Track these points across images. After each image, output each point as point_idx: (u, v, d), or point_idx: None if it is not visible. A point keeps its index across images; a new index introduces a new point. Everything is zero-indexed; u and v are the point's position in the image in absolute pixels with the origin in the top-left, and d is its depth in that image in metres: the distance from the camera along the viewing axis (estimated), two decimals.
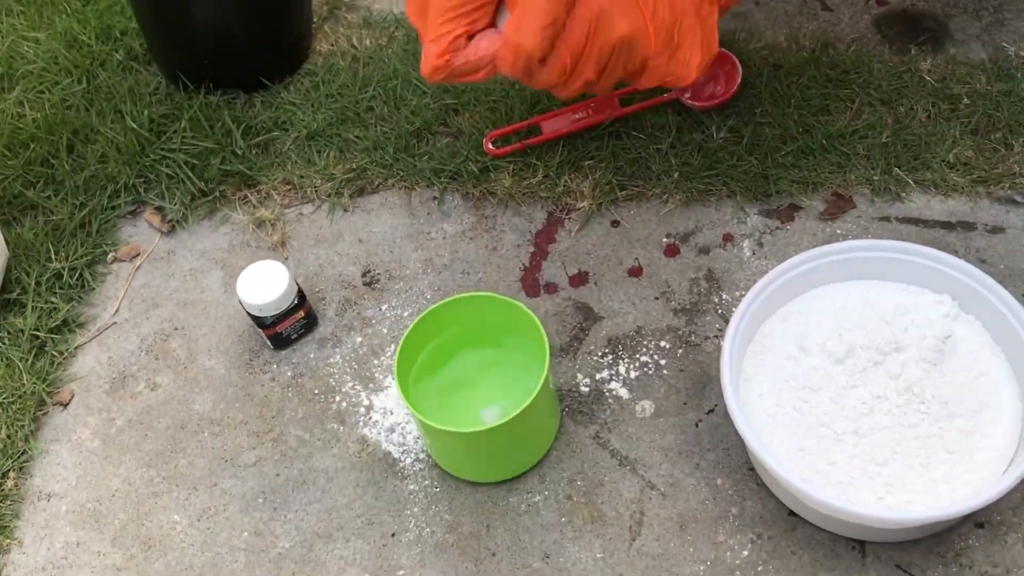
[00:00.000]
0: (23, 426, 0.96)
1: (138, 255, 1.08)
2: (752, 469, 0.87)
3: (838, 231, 0.99)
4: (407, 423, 0.93)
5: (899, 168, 1.00)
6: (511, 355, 0.90)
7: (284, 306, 0.95)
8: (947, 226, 0.98)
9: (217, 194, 1.09)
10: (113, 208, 1.10)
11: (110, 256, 1.07)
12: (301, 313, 0.97)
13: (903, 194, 1.00)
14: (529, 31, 0.75)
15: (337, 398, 0.96)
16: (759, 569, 0.83)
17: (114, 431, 0.97)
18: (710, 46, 0.84)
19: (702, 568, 0.83)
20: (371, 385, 0.96)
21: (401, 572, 0.86)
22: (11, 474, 0.95)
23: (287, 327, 0.97)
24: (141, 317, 1.03)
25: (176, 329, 1.02)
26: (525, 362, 0.89)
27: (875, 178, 1.00)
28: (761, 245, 0.99)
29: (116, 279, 1.06)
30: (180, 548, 0.90)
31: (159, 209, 1.10)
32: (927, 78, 1.06)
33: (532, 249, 1.02)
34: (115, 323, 1.03)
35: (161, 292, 1.05)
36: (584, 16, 0.76)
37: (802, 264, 0.88)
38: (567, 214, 1.04)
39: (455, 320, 0.89)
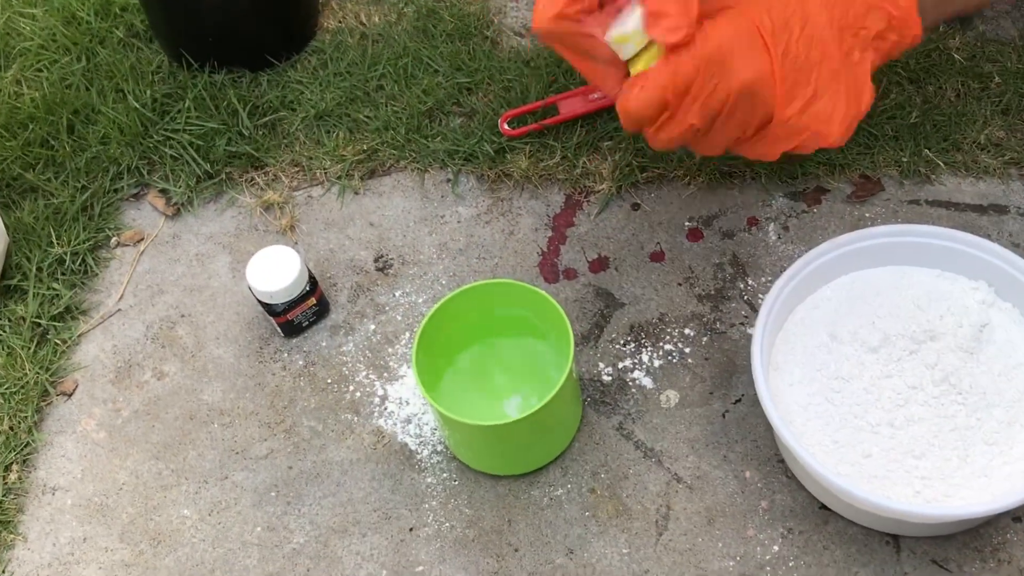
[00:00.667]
0: (26, 417, 0.93)
1: (142, 239, 1.04)
2: (782, 461, 0.85)
3: (866, 214, 0.96)
4: (424, 414, 0.90)
5: (928, 149, 0.97)
6: (532, 343, 0.87)
7: (295, 293, 0.92)
8: (979, 209, 0.95)
9: (223, 176, 1.06)
10: (116, 191, 1.06)
11: (113, 240, 1.04)
12: (313, 300, 0.94)
13: (933, 176, 0.97)
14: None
15: (351, 388, 0.93)
16: (790, 564, 0.80)
17: (120, 422, 0.94)
18: (860, 98, 0.70)
19: (731, 564, 0.81)
20: (386, 374, 0.93)
21: (420, 568, 0.83)
22: (14, 467, 0.92)
23: (298, 314, 0.94)
24: (146, 304, 1.00)
25: (183, 316, 0.99)
26: (546, 351, 0.86)
27: (904, 160, 0.97)
28: (787, 229, 0.96)
29: (120, 264, 1.03)
30: (191, 543, 0.87)
31: (163, 192, 1.06)
32: (956, 56, 1.03)
33: (550, 233, 0.99)
34: (119, 310, 1.00)
35: (167, 278, 1.01)
36: (697, 53, 0.67)
37: (832, 250, 0.85)
38: (586, 197, 1.00)
39: (474, 307, 0.86)
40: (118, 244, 1.04)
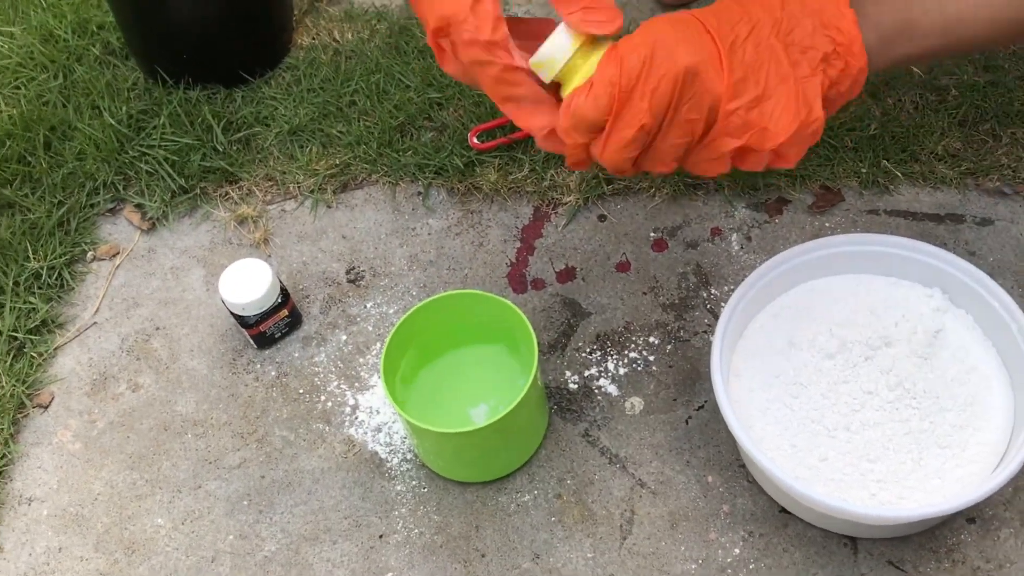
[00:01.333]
0: (2, 429, 0.95)
1: (118, 254, 1.06)
2: (743, 466, 0.87)
3: (827, 224, 0.98)
4: (394, 423, 0.92)
5: (887, 160, 1.00)
6: (499, 353, 0.89)
7: (267, 305, 0.94)
8: (936, 218, 0.97)
9: (198, 191, 1.07)
10: (92, 206, 1.08)
11: (89, 255, 1.05)
12: (285, 311, 0.96)
13: (891, 187, 0.99)
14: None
15: (322, 398, 0.94)
16: (751, 567, 0.82)
17: (96, 433, 0.95)
18: (809, 109, 0.67)
19: (694, 567, 0.83)
20: (356, 384, 0.95)
21: (390, 574, 0.85)
22: None
23: (270, 326, 0.95)
24: (122, 317, 1.02)
25: (158, 329, 1.00)
26: (513, 360, 0.88)
27: (863, 171, 1.00)
28: (749, 239, 0.98)
29: (96, 278, 1.04)
30: (164, 552, 0.88)
31: (139, 207, 1.08)
32: (915, 69, 1.05)
33: (518, 244, 1.01)
34: (95, 323, 1.01)
35: (142, 291, 1.03)
36: (638, 43, 0.65)
37: (791, 259, 0.87)
38: (553, 209, 1.02)
39: (442, 318, 0.88)
40: (94, 258, 1.05)
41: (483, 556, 0.85)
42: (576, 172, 1.02)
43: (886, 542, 0.82)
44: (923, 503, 0.78)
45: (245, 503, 0.90)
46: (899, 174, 0.99)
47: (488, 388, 0.89)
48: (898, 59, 0.72)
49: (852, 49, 0.68)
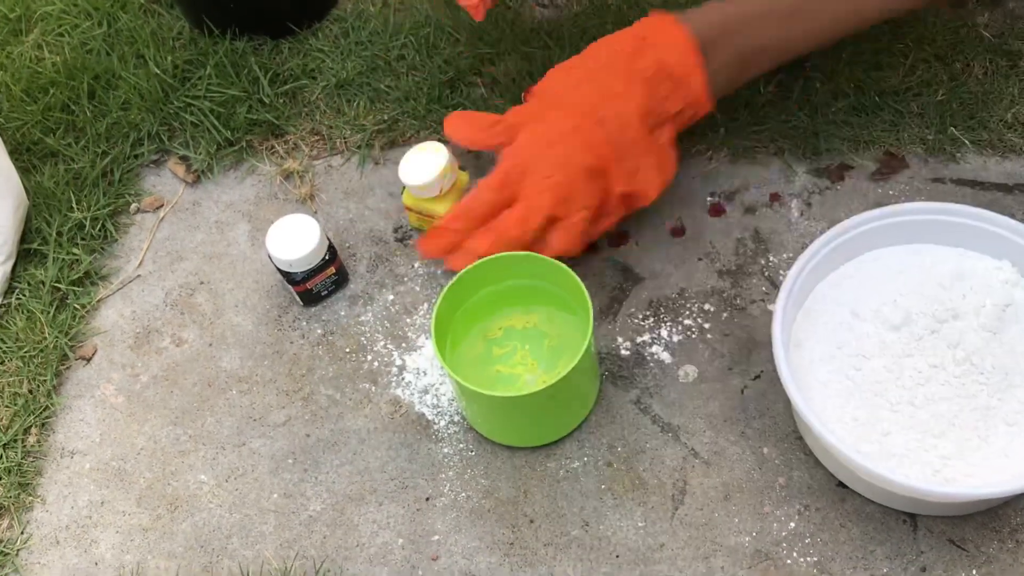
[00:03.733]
0: (45, 381, 0.94)
1: (162, 206, 1.04)
2: (800, 438, 0.85)
3: (890, 192, 0.95)
4: (441, 384, 0.90)
5: (954, 127, 0.96)
6: (552, 316, 0.87)
7: (315, 262, 0.92)
8: (1004, 188, 0.94)
9: (243, 144, 1.06)
10: (136, 157, 1.06)
11: (133, 207, 1.04)
12: (332, 269, 0.94)
13: (958, 154, 0.96)
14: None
15: (369, 357, 0.93)
16: (807, 541, 0.80)
17: (139, 387, 0.94)
18: (667, 168, 0.88)
19: (747, 539, 0.81)
20: (404, 344, 0.93)
21: (436, 537, 0.84)
22: (33, 430, 0.92)
23: (317, 283, 0.94)
24: (166, 270, 1.00)
25: (202, 283, 0.99)
26: (566, 324, 0.86)
27: (929, 137, 0.96)
28: (810, 205, 0.95)
29: (140, 230, 1.03)
30: (208, 509, 0.87)
31: (183, 159, 1.06)
32: (984, 33, 1.01)
33: None
34: (139, 276, 1.00)
35: (186, 245, 1.01)
36: (529, 142, 0.87)
37: (856, 227, 0.84)
38: None
39: (494, 279, 0.86)
40: (138, 210, 1.04)
41: (532, 522, 0.83)
42: None
43: (947, 520, 0.80)
44: (989, 482, 0.75)
45: (290, 461, 0.88)
46: (967, 141, 0.96)
47: (540, 352, 0.87)
48: (748, 80, 0.91)
49: (700, 100, 0.86)
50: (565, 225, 0.87)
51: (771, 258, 0.93)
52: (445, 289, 0.83)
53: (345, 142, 1.05)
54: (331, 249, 0.93)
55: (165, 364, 0.95)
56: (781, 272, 0.92)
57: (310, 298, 0.95)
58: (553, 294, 0.85)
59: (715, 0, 0.88)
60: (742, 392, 0.87)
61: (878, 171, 0.96)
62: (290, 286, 0.94)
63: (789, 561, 0.80)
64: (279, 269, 0.93)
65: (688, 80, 0.86)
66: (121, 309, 0.98)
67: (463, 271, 0.83)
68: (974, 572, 0.78)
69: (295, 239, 0.92)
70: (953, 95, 0.98)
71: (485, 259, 0.84)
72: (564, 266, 0.82)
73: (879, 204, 0.93)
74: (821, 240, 0.84)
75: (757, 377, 0.88)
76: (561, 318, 0.87)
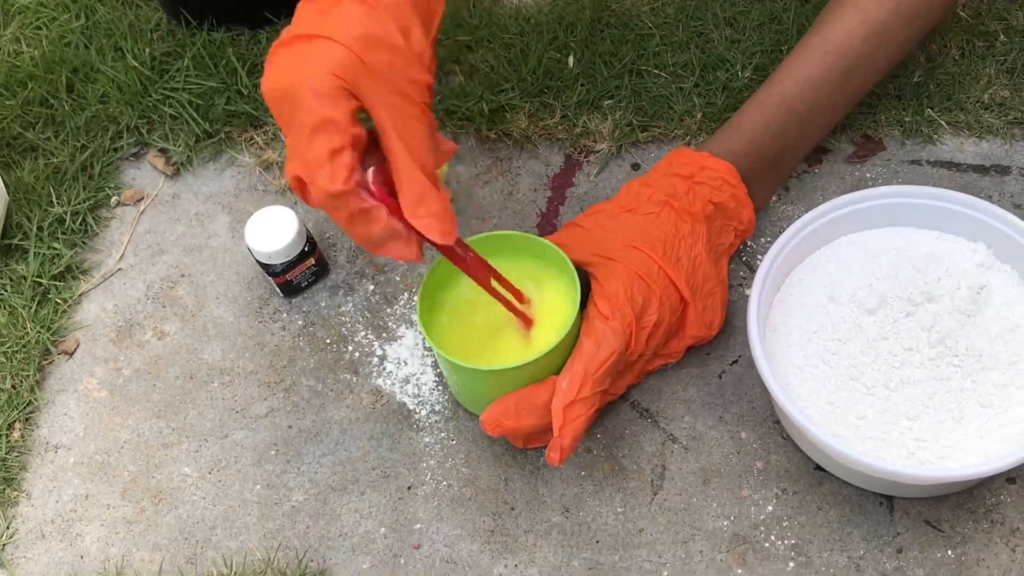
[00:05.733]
0: (28, 376, 0.94)
1: (142, 199, 1.04)
2: (777, 422, 0.85)
3: (867, 174, 0.95)
4: (421, 374, 0.91)
5: (931, 109, 0.97)
6: (540, 295, 0.86)
7: (294, 253, 0.92)
8: (981, 170, 0.94)
9: (223, 135, 1.06)
10: (115, 150, 1.06)
11: (113, 200, 1.04)
12: (312, 260, 0.94)
13: (935, 136, 0.96)
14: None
15: (350, 348, 0.93)
16: (784, 524, 0.81)
17: (121, 381, 0.94)
18: (725, 302, 0.88)
19: (726, 523, 0.82)
20: (384, 334, 0.93)
21: (418, 526, 0.84)
22: (17, 425, 0.92)
23: (297, 275, 0.94)
24: (147, 263, 1.00)
25: (183, 276, 0.99)
26: (552, 302, 0.85)
27: (906, 119, 0.97)
28: (787, 189, 0.95)
29: (120, 224, 1.03)
30: (191, 501, 0.88)
31: (163, 151, 1.06)
32: (961, 14, 1.01)
33: (549, 193, 0.99)
34: (120, 269, 1.00)
35: (167, 237, 1.02)
36: (621, 305, 0.80)
37: (832, 211, 0.85)
38: (585, 157, 1.00)
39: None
40: (118, 203, 1.04)
41: (512, 509, 0.84)
42: (609, 119, 1.00)
43: (923, 501, 0.81)
44: (964, 463, 0.76)
45: (272, 453, 0.89)
46: (943, 123, 0.96)
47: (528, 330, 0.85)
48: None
49: (750, 229, 0.90)
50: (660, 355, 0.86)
51: (749, 243, 0.93)
52: (433, 265, 0.82)
53: None
54: (310, 240, 0.94)
55: (147, 357, 0.95)
56: (758, 257, 0.93)
57: (290, 289, 0.95)
58: (541, 272, 0.84)
59: (734, 119, 0.90)
60: (720, 377, 0.88)
61: (855, 153, 0.96)
62: (270, 278, 0.94)
63: (767, 544, 0.80)
64: (259, 261, 0.93)
65: (739, 213, 0.88)
66: (103, 303, 0.99)
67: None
68: (950, 552, 0.79)
69: (274, 231, 0.92)
70: (930, 76, 0.98)
71: (475, 237, 0.82)
72: (552, 244, 0.82)
73: (856, 187, 0.94)
74: (797, 225, 0.84)
75: (735, 362, 0.88)
76: (550, 296, 0.85)
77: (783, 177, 0.92)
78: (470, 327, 0.85)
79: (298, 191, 0.68)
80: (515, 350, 0.83)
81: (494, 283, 0.79)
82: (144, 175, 1.06)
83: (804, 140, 0.90)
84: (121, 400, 0.93)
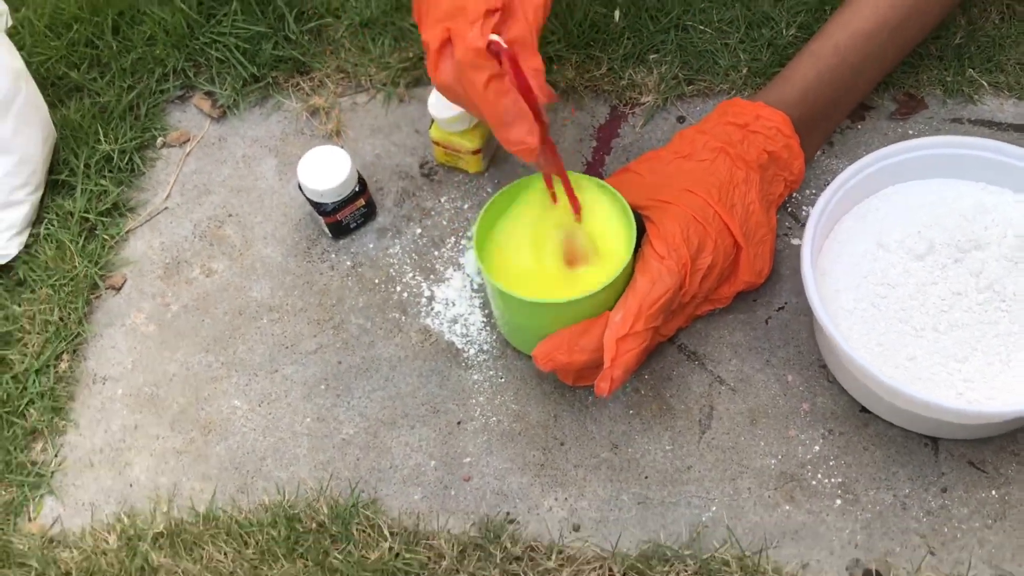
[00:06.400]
0: (76, 308, 0.95)
1: (188, 140, 1.05)
2: (824, 366, 0.87)
3: (909, 132, 0.97)
4: (470, 314, 0.92)
5: (972, 69, 0.98)
6: (595, 234, 0.86)
7: (345, 193, 0.93)
8: (1021, 129, 0.96)
9: (269, 80, 1.06)
10: (162, 92, 1.07)
11: (159, 141, 1.05)
12: (361, 201, 0.95)
13: (976, 96, 0.98)
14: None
15: (398, 288, 0.94)
16: (831, 464, 0.83)
17: (170, 316, 0.95)
18: (774, 249, 0.89)
19: (773, 462, 0.83)
20: (432, 276, 0.94)
21: (468, 459, 0.85)
22: (65, 356, 0.93)
23: (347, 215, 0.95)
24: (193, 203, 1.01)
25: (230, 216, 1.00)
26: (607, 242, 0.85)
27: (948, 79, 0.98)
28: (831, 144, 0.97)
29: (166, 164, 1.04)
30: (241, 432, 0.89)
31: (209, 94, 1.07)
32: None
33: (595, 144, 1.00)
34: (167, 208, 1.01)
35: (213, 178, 1.02)
36: (680, 244, 0.81)
37: (880, 160, 0.86)
38: (631, 109, 1.01)
39: (539, 197, 0.86)
40: (164, 144, 1.05)
41: (562, 444, 0.85)
42: (655, 72, 1.01)
43: (967, 443, 0.82)
44: (1009, 402, 0.77)
45: (322, 387, 0.90)
46: (984, 83, 0.98)
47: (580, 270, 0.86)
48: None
49: (799, 179, 0.91)
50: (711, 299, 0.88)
51: (793, 194, 0.95)
52: (491, 199, 0.83)
53: (371, 80, 1.06)
54: (361, 181, 0.95)
55: (195, 294, 0.96)
56: (804, 208, 0.94)
57: (339, 230, 0.96)
58: (596, 213, 0.85)
59: (785, 71, 0.91)
60: (766, 323, 0.89)
61: (898, 111, 0.98)
62: (320, 217, 0.95)
63: (814, 482, 0.82)
64: (309, 200, 0.94)
65: (791, 164, 0.89)
66: (150, 240, 0.99)
67: (509, 185, 0.84)
68: (993, 493, 0.80)
69: (326, 170, 0.93)
70: (971, 38, 1.00)
71: (532, 176, 0.83)
72: (609, 186, 0.83)
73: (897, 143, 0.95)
74: (847, 173, 0.85)
75: (781, 308, 0.90)
76: (606, 236, 0.86)
77: (832, 128, 0.93)
78: (523, 265, 0.85)
79: (435, 56, 0.71)
80: (568, 287, 0.84)
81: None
82: (190, 117, 1.06)
83: (855, 91, 0.91)
84: (169, 334, 0.94)
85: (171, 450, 0.89)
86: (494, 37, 0.69)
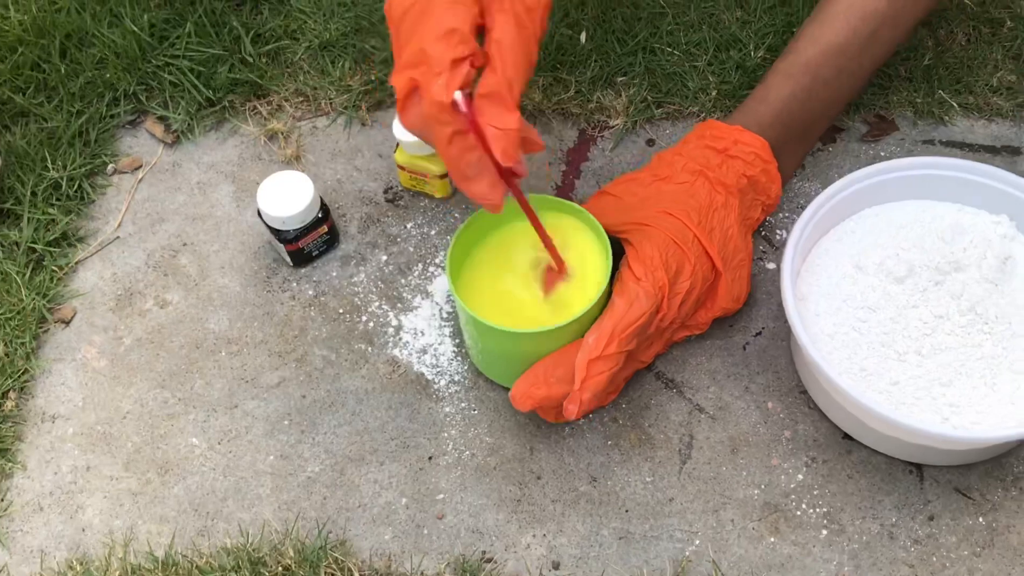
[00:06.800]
0: (23, 343, 0.90)
1: (140, 167, 1.01)
2: (804, 392, 0.85)
3: (881, 153, 0.96)
4: (440, 344, 0.89)
5: (942, 91, 0.98)
6: (571, 261, 0.84)
7: (308, 219, 0.90)
8: (991, 150, 0.96)
9: (225, 104, 1.03)
10: (112, 117, 1.02)
11: (110, 167, 1.00)
12: (324, 228, 0.91)
13: (946, 117, 0.97)
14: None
15: (364, 318, 0.91)
16: (815, 492, 0.80)
17: (123, 350, 0.90)
18: (750, 275, 0.87)
19: (756, 492, 0.81)
20: (399, 305, 0.91)
21: (441, 496, 0.82)
22: (11, 394, 0.88)
23: (309, 242, 0.91)
24: (147, 231, 0.97)
25: (185, 245, 0.96)
26: (583, 269, 0.83)
27: (918, 100, 0.98)
28: (803, 167, 0.96)
29: (117, 192, 0.99)
30: (200, 472, 0.84)
31: (162, 119, 1.03)
32: (966, 1, 1.03)
33: (564, 167, 0.98)
34: (118, 237, 0.97)
35: (167, 206, 0.98)
36: (656, 267, 0.79)
37: (856, 183, 0.85)
38: (600, 132, 0.99)
39: (508, 222, 0.83)
40: (115, 171, 1.00)
41: (539, 478, 0.82)
42: (623, 95, 0.99)
43: (952, 470, 0.81)
44: (996, 427, 0.76)
45: (286, 423, 0.86)
46: (954, 104, 0.97)
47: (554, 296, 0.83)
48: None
49: (775, 203, 0.89)
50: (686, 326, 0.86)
51: (767, 218, 0.93)
52: (462, 227, 0.80)
53: (331, 103, 1.02)
54: (324, 207, 0.91)
55: (149, 326, 0.92)
56: (777, 231, 0.92)
57: (301, 258, 0.92)
58: (570, 237, 0.83)
59: (759, 91, 0.89)
60: (744, 348, 0.87)
61: (868, 133, 0.97)
62: (280, 245, 0.91)
63: (799, 513, 0.80)
64: (269, 227, 0.90)
65: (769, 188, 0.88)
66: (101, 271, 0.95)
67: (477, 212, 0.81)
68: (980, 520, 0.79)
69: (287, 196, 0.89)
70: (939, 60, 0.99)
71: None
72: (584, 210, 0.81)
73: (871, 164, 0.94)
74: (823, 196, 0.84)
75: (758, 334, 0.88)
76: (581, 259, 0.83)
77: (808, 149, 0.92)
78: (496, 292, 0.83)
79: (402, 103, 0.67)
80: (542, 317, 0.81)
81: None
82: (142, 143, 1.02)
83: (832, 106, 0.90)
84: (122, 370, 0.89)
85: (126, 492, 0.84)
86: (457, 95, 0.65)
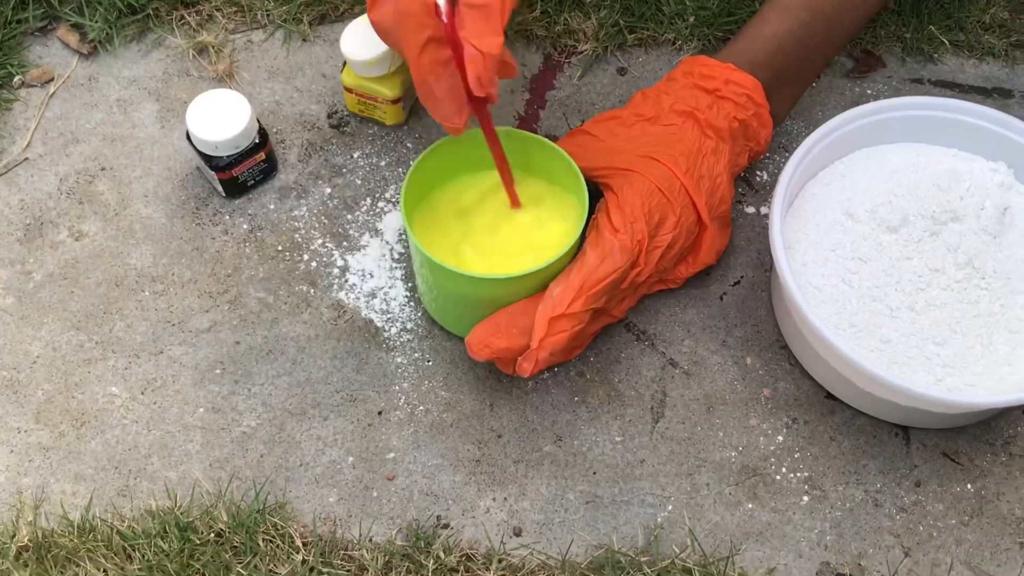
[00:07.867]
0: None
1: (52, 80, 0.90)
2: (784, 347, 0.79)
3: (868, 91, 0.90)
4: (390, 287, 0.81)
5: (932, 26, 0.91)
6: (538, 200, 0.76)
7: (244, 144, 0.80)
8: (983, 91, 0.90)
9: (149, 12, 0.91)
10: (19, 22, 0.91)
11: (17, 80, 0.89)
12: (262, 155, 0.82)
13: (936, 55, 0.91)
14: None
15: (305, 256, 0.82)
16: (796, 456, 0.75)
17: (32, 287, 0.81)
18: (730, 224, 0.81)
19: (733, 454, 0.75)
20: (345, 243, 0.82)
21: (391, 455, 0.75)
22: None
23: (244, 171, 0.82)
24: (59, 153, 0.86)
25: (103, 169, 0.86)
26: (553, 210, 0.76)
27: (907, 35, 0.91)
28: None
29: (25, 107, 0.88)
30: (121, 425, 0.76)
31: (76, 27, 0.91)
32: None
33: (528, 96, 0.89)
34: (27, 159, 0.86)
35: (82, 125, 0.88)
36: (639, 214, 0.72)
37: (847, 123, 0.79)
38: (567, 58, 0.91)
39: (473, 156, 0.75)
40: (23, 84, 0.89)
41: (499, 437, 0.75)
42: (593, 18, 0.91)
43: (939, 433, 0.76)
44: (993, 391, 0.71)
45: (217, 372, 0.77)
46: (945, 41, 0.91)
47: (523, 239, 0.76)
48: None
49: (763, 150, 0.81)
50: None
51: None
52: (419, 157, 0.72)
53: (268, 15, 0.92)
54: (262, 131, 0.82)
55: (63, 260, 0.82)
56: (757, 172, 0.86)
57: (235, 188, 0.83)
58: (537, 175, 0.75)
59: (752, 26, 0.81)
60: (721, 299, 0.81)
61: (855, 68, 0.90)
62: (211, 173, 0.81)
63: (779, 477, 0.74)
64: (200, 152, 0.80)
65: (759, 133, 0.80)
66: (7, 197, 0.84)
67: (437, 143, 0.73)
68: (968, 487, 0.74)
69: (221, 118, 0.79)
70: None
71: (467, 132, 0.72)
72: (558, 148, 0.73)
73: (857, 103, 0.87)
74: (813, 137, 0.77)
75: (737, 283, 0.82)
76: (549, 202, 0.76)
77: (803, 88, 0.84)
78: (457, 233, 0.75)
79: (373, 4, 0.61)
80: (511, 261, 0.74)
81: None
82: (53, 53, 0.91)
83: (831, 45, 0.82)
84: (32, 308, 0.80)
85: (36, 446, 0.75)
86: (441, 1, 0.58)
